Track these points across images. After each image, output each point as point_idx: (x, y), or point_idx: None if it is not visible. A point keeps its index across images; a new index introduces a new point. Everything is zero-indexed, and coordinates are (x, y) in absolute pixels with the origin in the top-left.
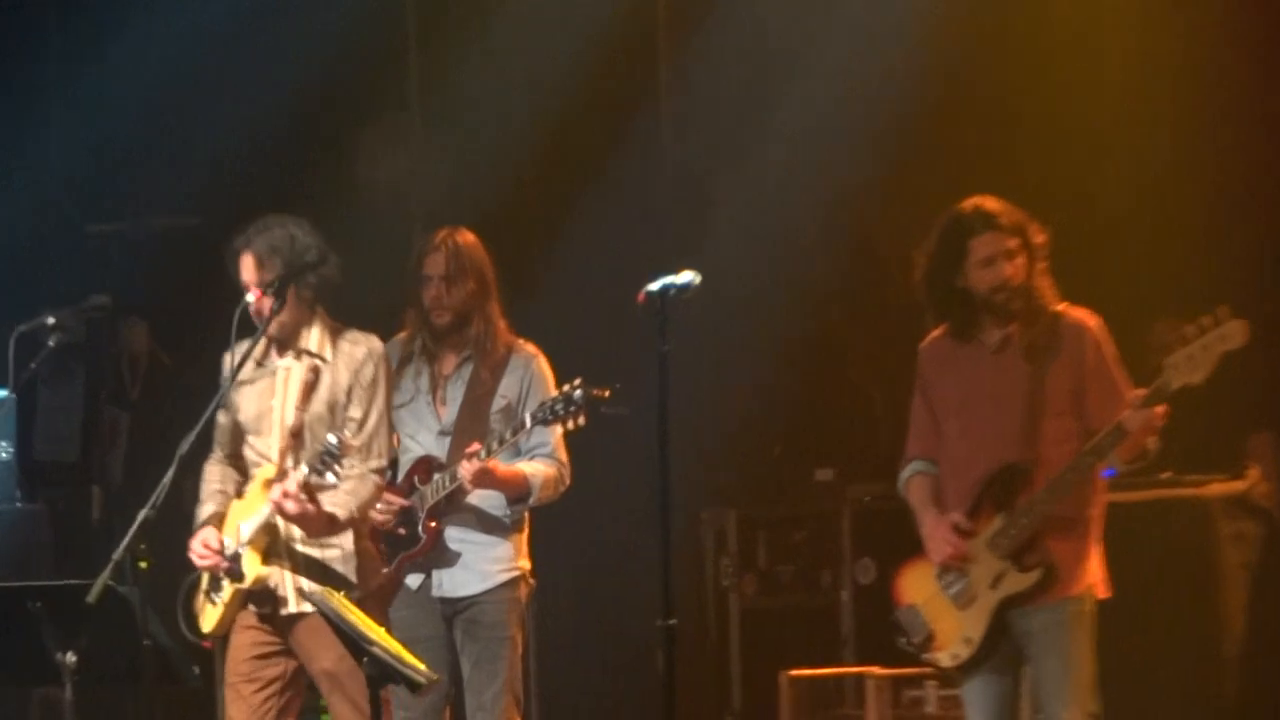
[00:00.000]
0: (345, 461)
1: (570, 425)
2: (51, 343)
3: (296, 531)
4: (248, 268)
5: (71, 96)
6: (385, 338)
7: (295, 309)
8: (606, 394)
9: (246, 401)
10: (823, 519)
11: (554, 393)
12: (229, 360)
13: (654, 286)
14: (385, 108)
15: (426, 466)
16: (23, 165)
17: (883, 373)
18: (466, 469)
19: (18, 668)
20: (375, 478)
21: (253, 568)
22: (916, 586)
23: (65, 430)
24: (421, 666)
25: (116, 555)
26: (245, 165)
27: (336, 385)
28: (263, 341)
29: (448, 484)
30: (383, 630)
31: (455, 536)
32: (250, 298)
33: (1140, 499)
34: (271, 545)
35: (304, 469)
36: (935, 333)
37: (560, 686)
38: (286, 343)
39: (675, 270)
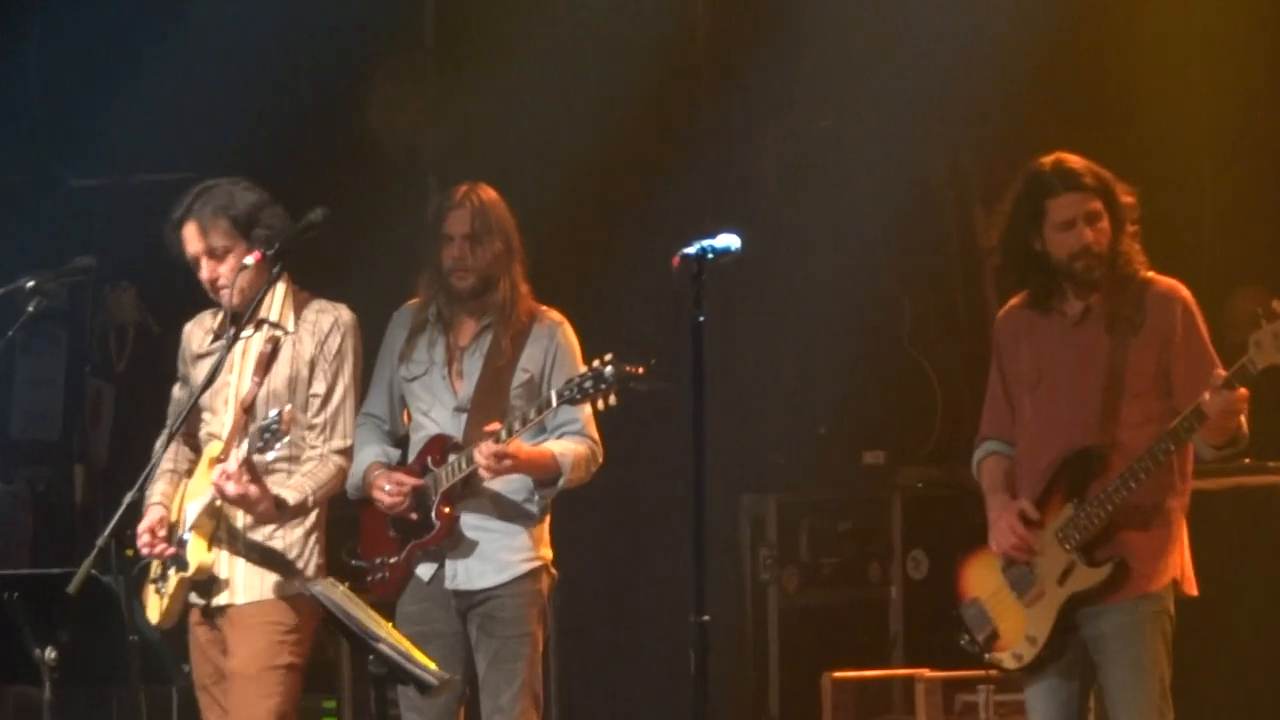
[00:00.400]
0: (305, 441)
1: (600, 404)
2: (31, 308)
3: (241, 519)
4: (192, 238)
5: (53, 38)
6: (397, 302)
7: (248, 274)
8: (641, 370)
9: (204, 376)
10: (871, 507)
11: (580, 365)
12: (188, 331)
13: (690, 250)
14: (398, 48)
15: (441, 446)
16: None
17: (940, 346)
18: (483, 453)
19: None
20: (338, 459)
21: (197, 555)
22: (981, 580)
23: (46, 405)
24: (432, 665)
25: (100, 541)
26: (243, 115)
27: (298, 358)
28: (221, 314)
29: (464, 466)
30: (390, 625)
31: (471, 523)
32: (219, 271)
33: (1219, 487)
34: (216, 531)
35: (244, 447)
36: (1013, 300)
37: (584, 688)
38: (245, 313)
39: (714, 233)
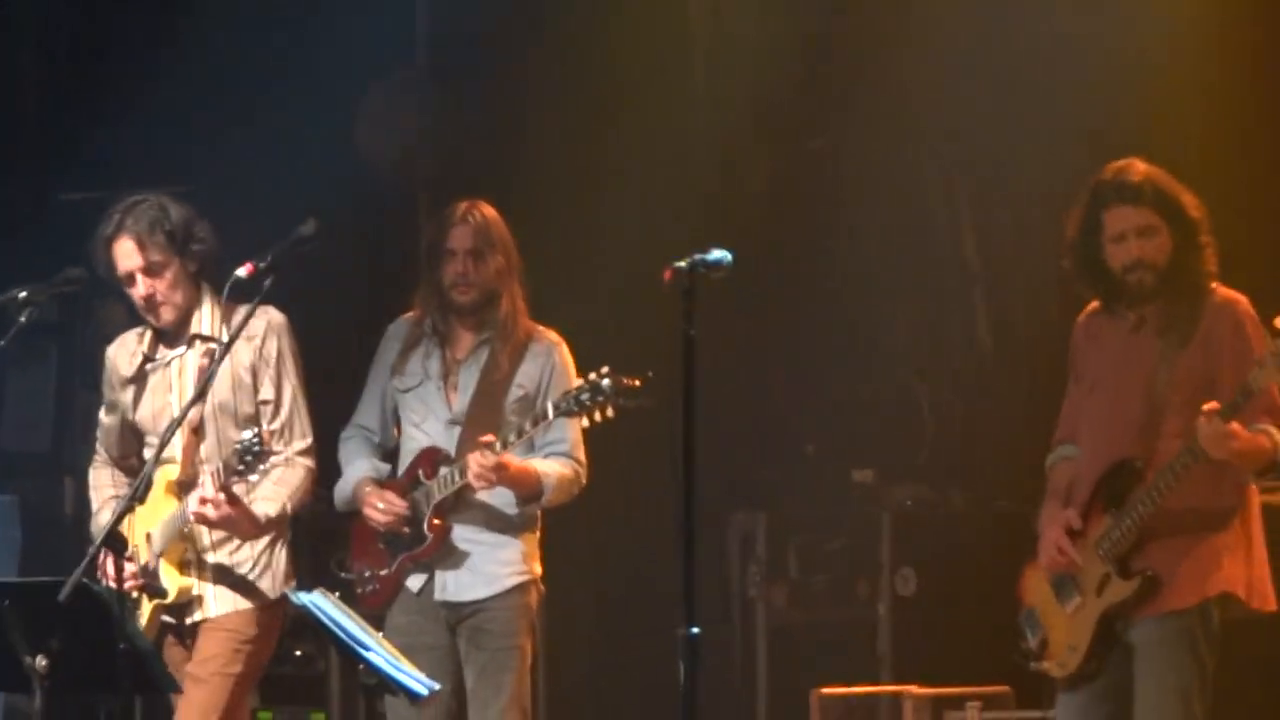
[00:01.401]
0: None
1: (597, 417)
2: (22, 319)
3: (206, 539)
4: (128, 254)
5: (45, 52)
6: (389, 317)
7: (183, 289)
8: (638, 383)
9: (141, 401)
10: (860, 524)
11: (576, 385)
12: (113, 355)
13: (682, 264)
14: (390, 66)
15: (432, 459)
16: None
17: (929, 365)
18: (477, 463)
19: None
20: (304, 461)
21: (173, 581)
22: (1035, 588)
23: (36, 417)
24: (421, 675)
25: (92, 550)
26: (235, 131)
27: (238, 366)
28: (149, 334)
29: (456, 479)
30: (379, 636)
31: (462, 536)
32: (155, 286)
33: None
34: (186, 555)
35: (217, 466)
36: (1091, 305)
37: (572, 701)
38: (176, 331)
39: (705, 247)
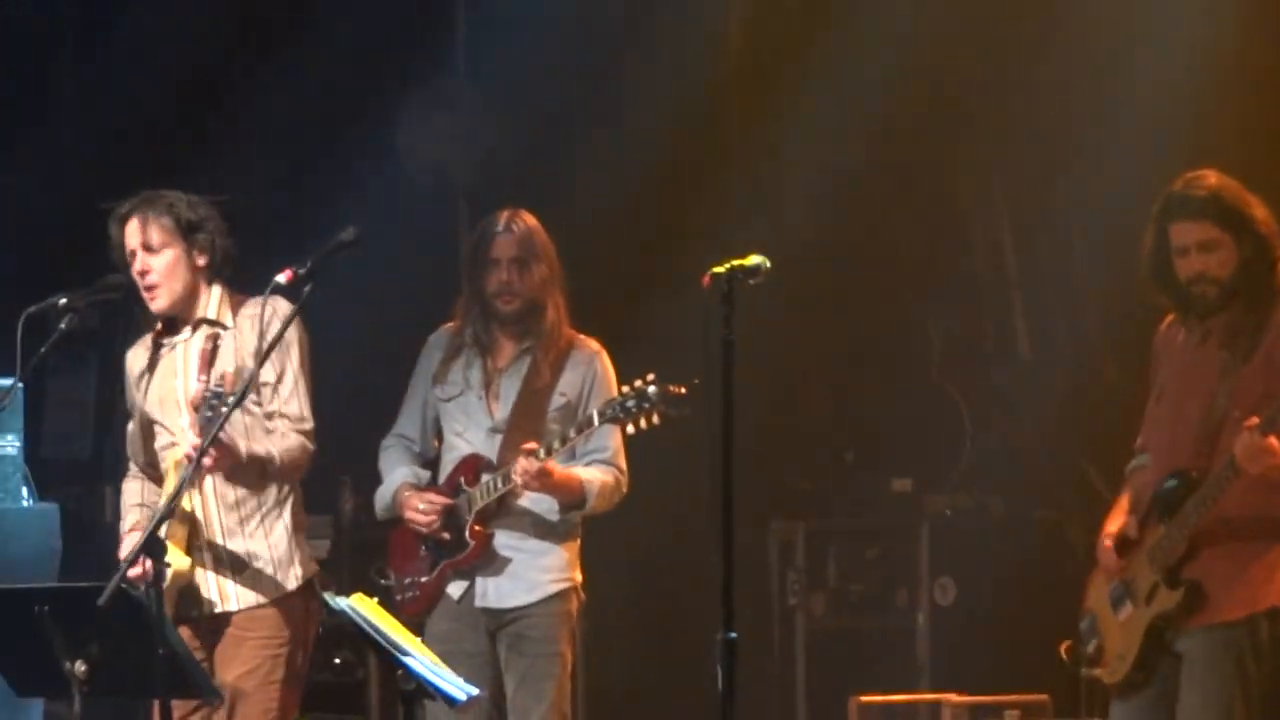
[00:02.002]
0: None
1: (642, 424)
2: (63, 325)
3: (217, 525)
4: (131, 231)
5: (88, 64)
6: (427, 326)
7: (189, 277)
8: (683, 391)
9: (150, 390)
10: (899, 533)
11: (616, 393)
12: (130, 357)
13: (720, 270)
14: (429, 73)
15: (474, 467)
16: (34, 137)
17: (968, 374)
18: (523, 467)
19: (23, 677)
20: (299, 437)
21: (173, 561)
22: (1096, 594)
23: (76, 425)
24: (460, 681)
25: (130, 555)
26: (276, 138)
27: (241, 349)
28: (158, 328)
29: (499, 485)
30: (418, 641)
31: (503, 543)
32: (150, 265)
33: None
34: (192, 538)
35: (196, 417)
36: (1170, 315)
37: (611, 708)
38: (181, 317)
39: (743, 254)
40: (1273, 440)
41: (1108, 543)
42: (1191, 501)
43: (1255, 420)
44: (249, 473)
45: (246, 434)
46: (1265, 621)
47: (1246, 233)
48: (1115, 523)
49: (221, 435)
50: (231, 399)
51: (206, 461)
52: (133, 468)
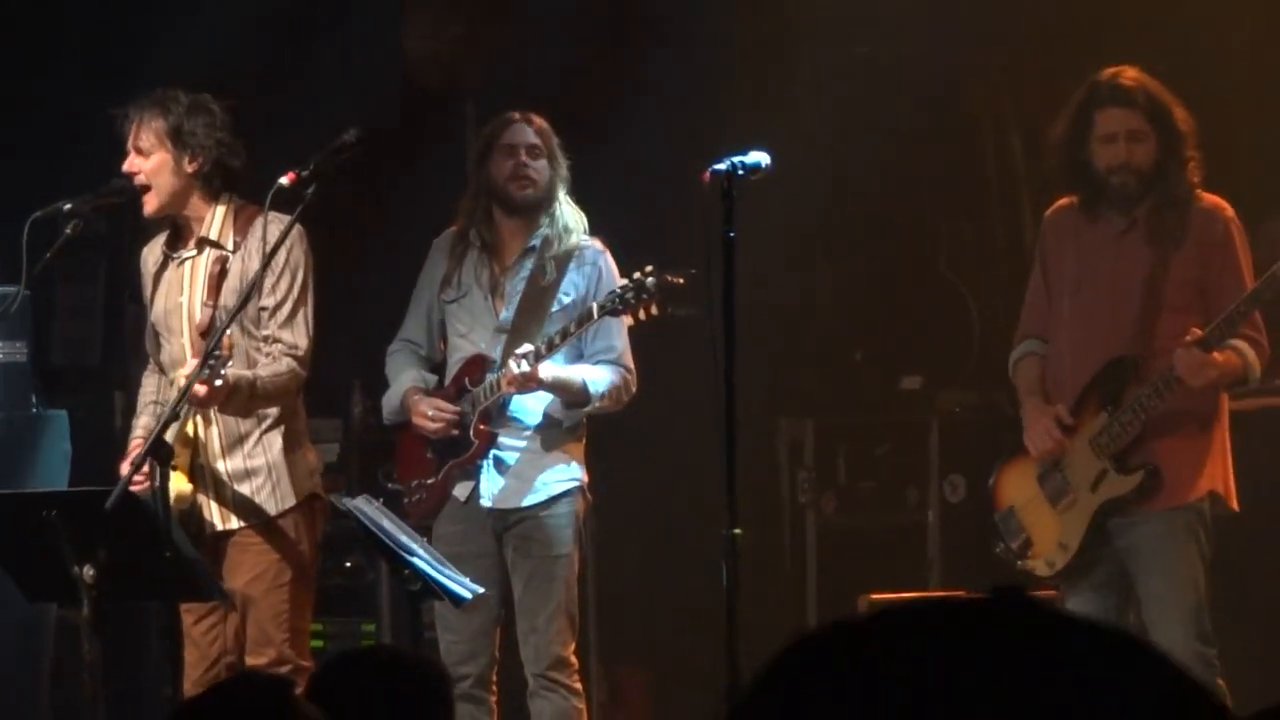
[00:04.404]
0: (260, 352)
1: (641, 315)
2: (69, 230)
3: (216, 445)
4: (130, 132)
5: None
6: (434, 230)
7: (177, 182)
8: (681, 280)
9: (157, 297)
10: (908, 431)
11: (620, 284)
12: (144, 255)
13: (720, 165)
14: None
15: (479, 366)
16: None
17: (977, 271)
18: (509, 375)
19: (33, 583)
20: (289, 361)
21: (175, 485)
22: (1016, 487)
23: (85, 331)
24: (466, 580)
25: (137, 459)
26: (280, 40)
27: (247, 273)
28: (168, 234)
29: (501, 386)
30: (424, 541)
31: (508, 443)
32: (136, 166)
33: (1247, 409)
34: (193, 461)
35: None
36: (1063, 201)
37: (622, 608)
38: (181, 227)
39: (744, 149)
40: (1215, 355)
41: (1052, 426)
42: (1145, 389)
43: (1197, 334)
44: (242, 400)
45: (246, 356)
46: (1208, 504)
47: (1168, 128)
48: (1042, 409)
49: (217, 379)
50: (230, 362)
51: (203, 393)
52: (151, 363)
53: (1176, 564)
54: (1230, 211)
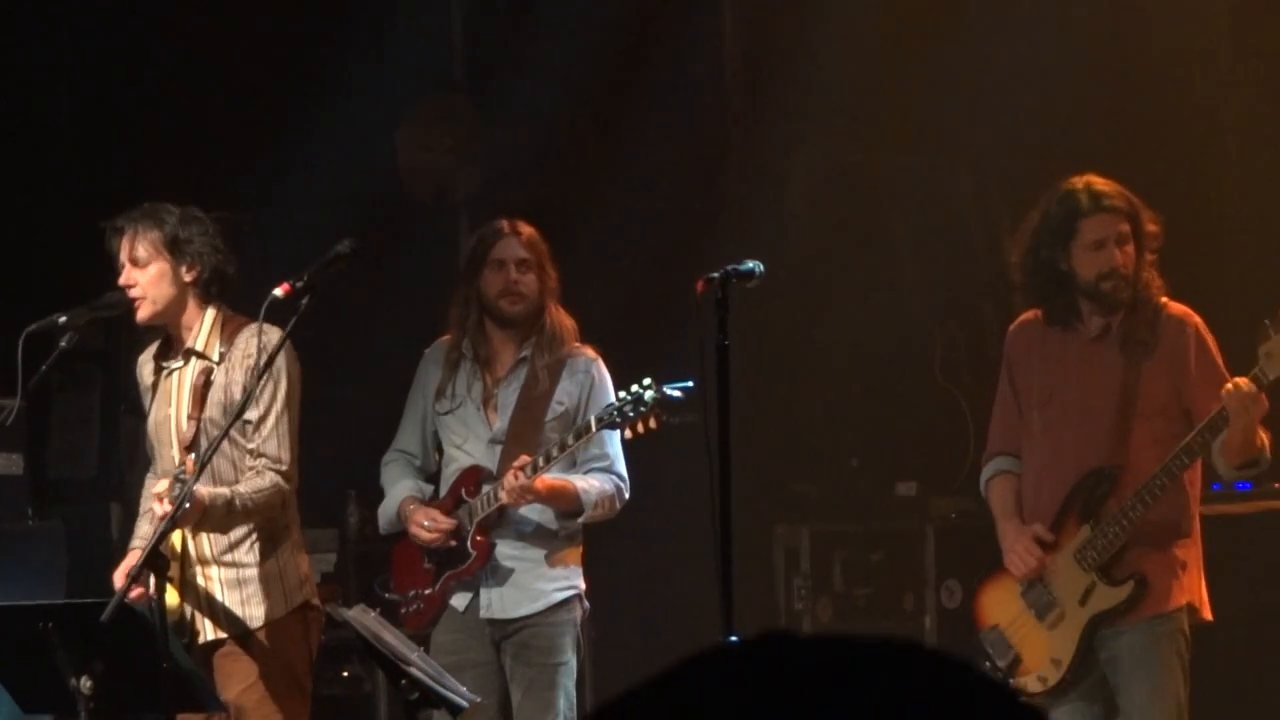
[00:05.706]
0: (245, 464)
1: (640, 429)
2: (64, 343)
3: (208, 552)
4: (122, 245)
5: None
6: (426, 339)
7: (174, 291)
8: (679, 394)
9: (152, 408)
10: (904, 537)
11: (618, 397)
12: (139, 364)
13: (714, 274)
14: (428, 88)
15: (475, 477)
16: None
17: (971, 377)
18: (508, 485)
19: (29, 694)
20: (273, 475)
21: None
22: (1000, 606)
23: (81, 444)
24: (463, 689)
25: (134, 571)
26: (276, 153)
27: (231, 385)
28: (159, 344)
29: (498, 497)
30: (421, 650)
31: (506, 552)
32: (134, 278)
33: (1247, 511)
34: (183, 572)
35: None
36: (1026, 315)
37: None
38: (174, 335)
39: (738, 258)
40: (1262, 395)
41: (1032, 545)
42: (1132, 496)
43: (1244, 380)
44: (219, 517)
45: (234, 467)
46: (1186, 614)
47: (1140, 231)
48: (1020, 530)
49: (187, 502)
50: (193, 489)
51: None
52: (153, 467)
53: (1157, 673)
54: (1197, 318)
